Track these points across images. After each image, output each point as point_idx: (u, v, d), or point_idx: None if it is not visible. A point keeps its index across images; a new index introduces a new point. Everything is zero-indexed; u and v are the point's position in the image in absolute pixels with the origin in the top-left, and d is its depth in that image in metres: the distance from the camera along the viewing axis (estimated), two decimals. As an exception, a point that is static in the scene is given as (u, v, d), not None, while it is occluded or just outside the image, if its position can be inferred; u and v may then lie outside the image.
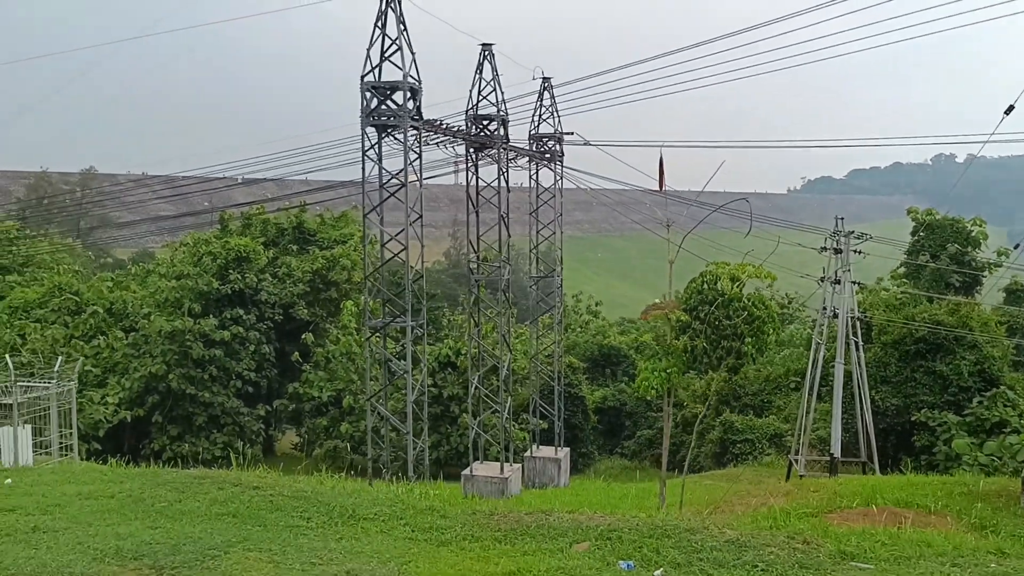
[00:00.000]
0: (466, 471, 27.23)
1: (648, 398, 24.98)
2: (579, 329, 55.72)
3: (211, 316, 39.84)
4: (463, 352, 39.88)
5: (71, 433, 16.90)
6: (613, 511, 14.23)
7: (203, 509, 7.49)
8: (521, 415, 38.24)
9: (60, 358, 18.95)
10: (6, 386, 16.04)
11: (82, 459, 18.76)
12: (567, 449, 33.69)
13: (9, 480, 8.77)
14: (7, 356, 18.35)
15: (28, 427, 15.50)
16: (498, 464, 27.82)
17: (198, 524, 7.10)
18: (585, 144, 30.86)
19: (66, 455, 16.68)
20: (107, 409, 34.58)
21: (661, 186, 18.92)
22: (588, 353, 50.63)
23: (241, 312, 41.01)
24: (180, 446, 38.80)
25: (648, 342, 17.18)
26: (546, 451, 32.73)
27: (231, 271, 40.95)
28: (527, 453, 32.55)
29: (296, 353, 42.75)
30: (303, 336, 42.17)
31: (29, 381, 16.86)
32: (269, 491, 8.19)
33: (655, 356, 16.61)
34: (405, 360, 22.28)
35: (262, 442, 43.53)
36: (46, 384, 16.56)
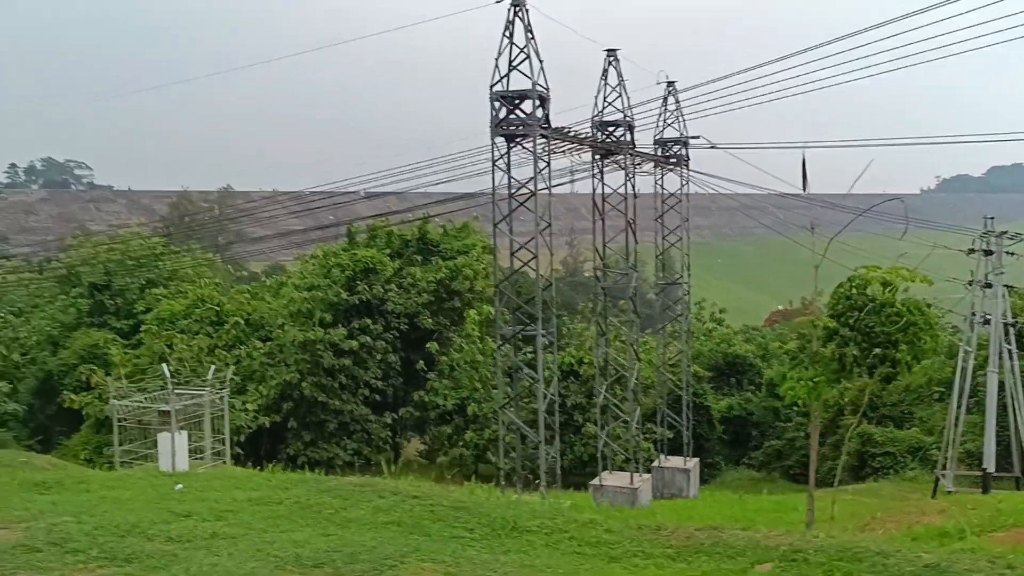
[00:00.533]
0: (595, 481, 26.99)
1: (791, 407, 24.08)
2: (702, 337, 54.49)
3: (340, 326, 40.96)
4: (586, 361, 39.63)
5: (223, 439, 17.65)
6: (750, 525, 13.68)
7: (368, 517, 7.57)
8: (645, 425, 37.68)
9: (213, 367, 19.82)
10: (164, 393, 16.88)
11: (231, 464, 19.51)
12: (696, 460, 32.96)
13: (180, 486, 9.13)
14: (164, 365, 19.33)
15: (184, 433, 16.23)
16: (627, 474, 27.46)
17: (366, 532, 7.17)
18: (712, 147, 30.21)
19: (219, 460, 17.43)
20: (247, 415, 36.02)
21: (804, 187, 18.22)
22: (712, 361, 49.49)
23: (368, 322, 41.99)
24: (313, 451, 40.03)
25: (791, 349, 16.44)
26: (674, 461, 32.11)
27: (359, 282, 42.03)
28: (655, 463, 32.00)
29: (421, 362, 43.45)
30: (428, 345, 42.82)
31: (185, 389, 17.71)
32: (428, 501, 8.22)
33: (800, 364, 15.94)
34: (531, 369, 22.23)
35: (389, 449, 44.44)
36: (200, 392, 17.36)
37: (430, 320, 44.42)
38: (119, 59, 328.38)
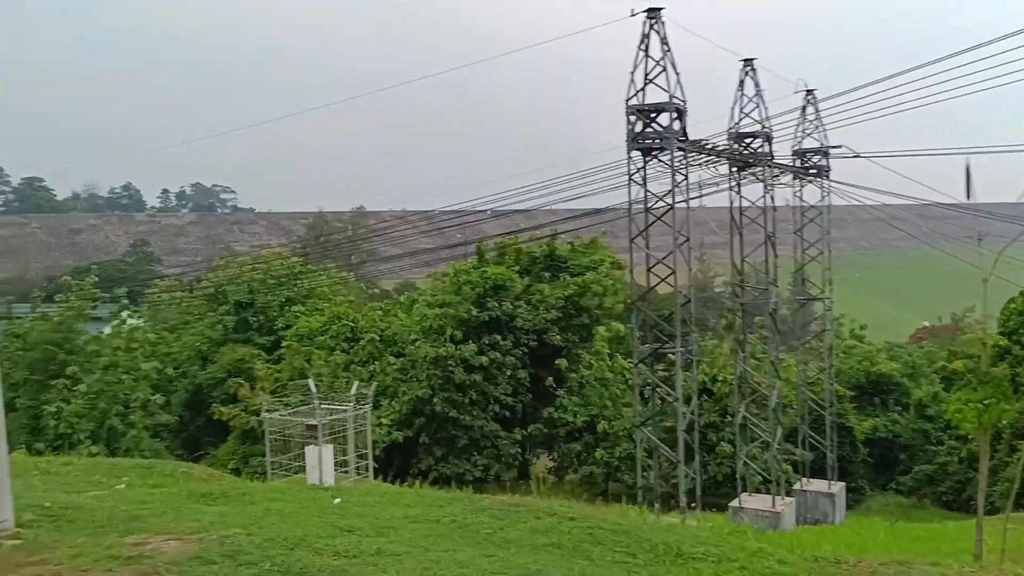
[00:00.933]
0: (734, 503, 26.08)
1: (943, 429, 22.58)
2: (842, 354, 52.11)
3: (471, 342, 41.38)
4: (719, 379, 38.57)
5: (367, 453, 18.02)
6: (911, 556, 12.74)
7: (527, 538, 7.42)
8: (783, 446, 36.24)
9: (356, 383, 20.32)
10: (310, 408, 17.42)
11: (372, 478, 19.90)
12: (842, 484, 31.38)
13: (338, 500, 9.26)
14: (310, 380, 19.97)
15: (330, 447, 16.67)
16: (768, 497, 26.37)
17: (527, 554, 7.02)
18: (855, 156, 28.87)
19: (362, 475, 17.81)
20: (382, 430, 36.84)
21: (968, 195, 17.02)
22: (854, 380, 47.28)
23: (498, 338, 42.24)
24: (445, 467, 40.51)
25: (959, 369, 15.31)
26: (817, 485, 30.67)
27: (489, 299, 42.39)
28: (796, 486, 30.66)
29: (550, 378, 43.34)
30: (557, 362, 42.68)
31: (329, 404, 18.22)
32: (585, 523, 8.00)
33: (967, 385, 14.83)
34: (667, 387, 21.70)
35: (518, 466, 44.49)
36: (343, 407, 17.82)
37: (559, 337, 44.28)
38: (261, 87, 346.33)
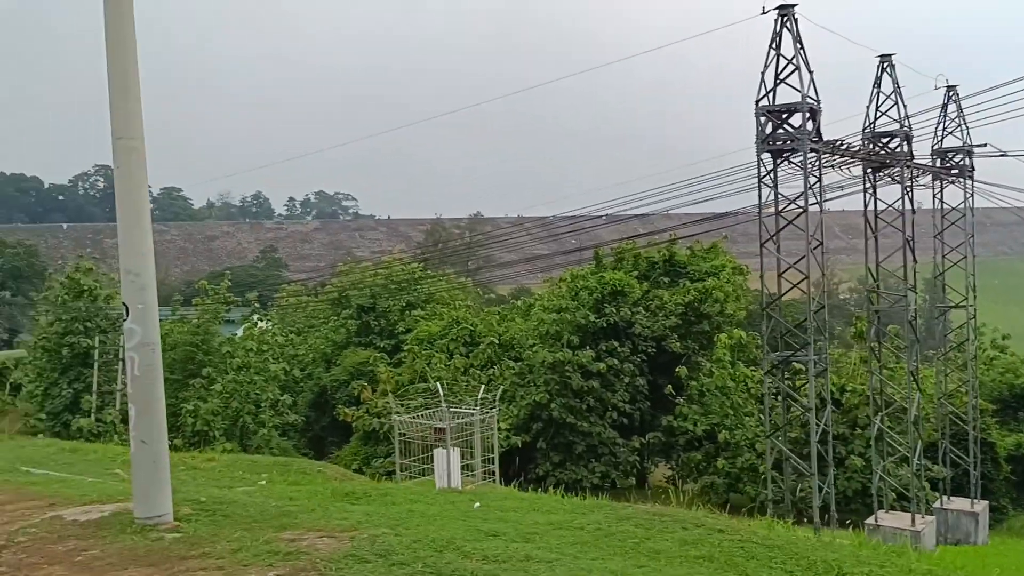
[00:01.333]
0: (870, 520, 24.92)
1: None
2: (982, 366, 49.15)
3: (588, 348, 41.17)
4: (848, 389, 37.03)
5: (492, 458, 18.12)
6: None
7: (675, 550, 7.21)
8: (921, 461, 34.42)
9: (482, 387, 20.49)
10: (437, 411, 17.65)
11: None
12: (985, 502, 29.54)
13: (478, 504, 9.29)
14: (437, 383, 20.25)
15: (457, 450, 16.83)
16: (907, 514, 25.06)
17: (678, 567, 6.82)
18: (1001, 155, 27.15)
19: (488, 479, 17.92)
20: (500, 434, 37.05)
21: None
22: (996, 393, 44.53)
23: (616, 344, 41.88)
24: (562, 473, 40.40)
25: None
26: (958, 503, 28.98)
27: (606, 304, 42.10)
28: (935, 504, 29.04)
29: (669, 386, 42.64)
30: (676, 369, 41.95)
31: (458, 407, 18.43)
32: (736, 536, 7.73)
33: None
34: (794, 396, 20.91)
35: (636, 473, 43.96)
36: (470, 410, 17.97)
37: (678, 343, 43.54)
38: (383, 98, 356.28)
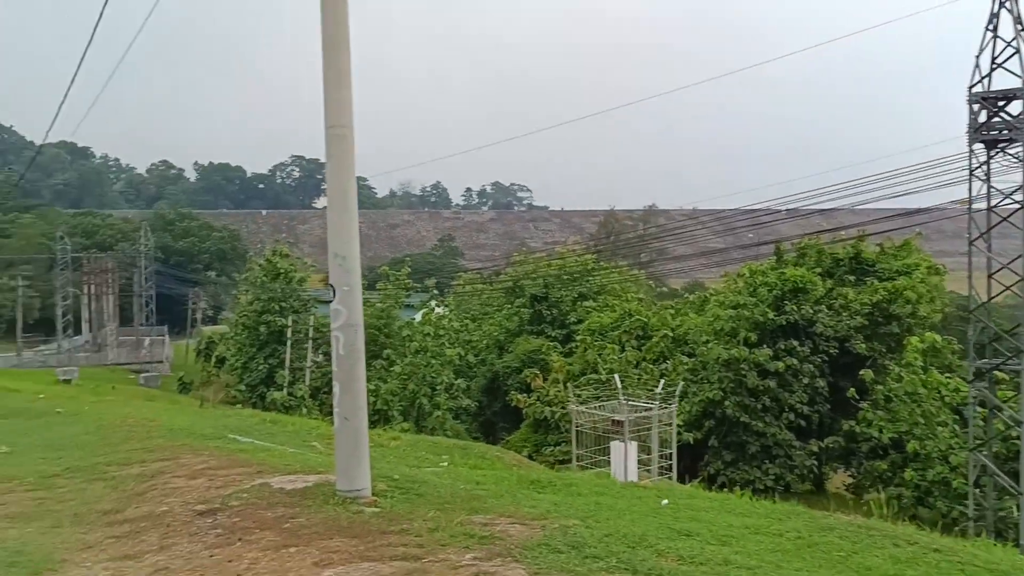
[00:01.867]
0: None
1: None
2: None
3: (765, 346, 39.72)
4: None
5: (670, 453, 17.83)
6: None
7: (888, 568, 6.74)
8: None
9: (663, 380, 20.21)
10: (615, 403, 17.54)
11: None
12: None
13: (666, 501, 9.10)
14: (616, 376, 20.17)
15: (635, 444, 16.65)
16: None
17: (895, 586, 6.37)
18: None
19: (664, 474, 17.64)
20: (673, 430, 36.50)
21: None
22: None
23: (795, 343, 40.18)
24: (734, 472, 39.31)
25: None
26: None
27: (786, 302, 40.44)
28: None
29: (852, 389, 40.39)
30: (861, 372, 39.66)
31: (635, 400, 18.25)
32: (954, 556, 7.14)
33: None
34: (1001, 407, 19.19)
35: (812, 478, 42.05)
36: (649, 404, 17.75)
37: (863, 345, 41.17)
38: (557, 87, 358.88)
